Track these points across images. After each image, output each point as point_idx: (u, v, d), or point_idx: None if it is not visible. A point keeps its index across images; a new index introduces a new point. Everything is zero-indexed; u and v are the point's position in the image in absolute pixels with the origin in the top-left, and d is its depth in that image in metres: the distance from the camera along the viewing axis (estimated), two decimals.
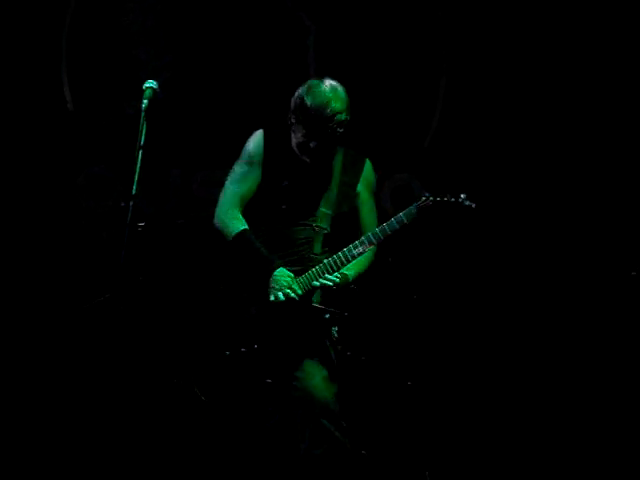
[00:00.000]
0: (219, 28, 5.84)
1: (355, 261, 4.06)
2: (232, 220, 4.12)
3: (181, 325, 5.34)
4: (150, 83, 3.86)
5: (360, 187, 4.21)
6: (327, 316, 4.09)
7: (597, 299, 5.67)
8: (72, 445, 5.09)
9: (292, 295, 3.99)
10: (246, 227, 4.09)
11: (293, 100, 4.08)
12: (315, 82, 4.07)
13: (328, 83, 4.06)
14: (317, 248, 4.12)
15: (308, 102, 4.00)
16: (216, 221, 4.17)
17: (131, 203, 3.66)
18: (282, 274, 4.01)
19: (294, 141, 4.11)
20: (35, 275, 5.65)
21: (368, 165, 4.26)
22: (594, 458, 5.23)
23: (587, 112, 5.82)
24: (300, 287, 4.03)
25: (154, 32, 5.84)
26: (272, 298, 4.00)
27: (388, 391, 5.28)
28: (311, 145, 4.03)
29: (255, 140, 4.17)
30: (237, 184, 4.15)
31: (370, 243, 4.03)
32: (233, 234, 4.09)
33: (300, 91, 4.06)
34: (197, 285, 5.34)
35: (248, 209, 4.16)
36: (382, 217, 4.13)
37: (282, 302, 4.00)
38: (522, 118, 5.84)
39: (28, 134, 5.70)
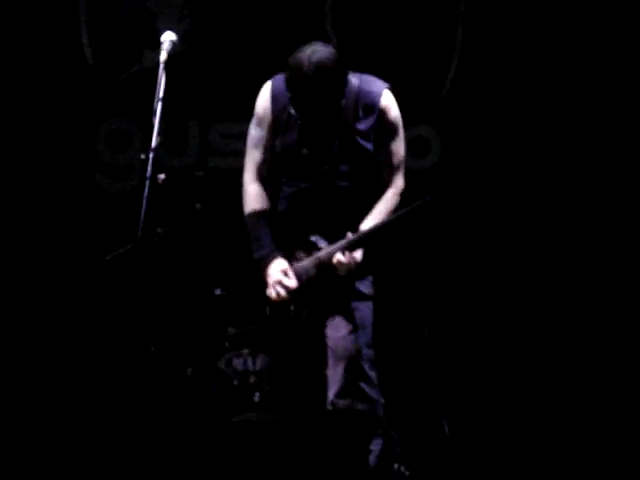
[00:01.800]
0: None
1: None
2: (249, 194, 4.08)
3: (198, 279, 5.37)
4: (168, 35, 3.86)
5: (374, 129, 3.98)
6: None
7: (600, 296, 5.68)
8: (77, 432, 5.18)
9: (283, 293, 3.92)
10: (258, 208, 4.03)
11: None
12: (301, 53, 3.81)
13: (310, 54, 3.77)
14: (339, 207, 4.01)
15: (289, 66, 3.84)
16: (242, 188, 4.12)
17: (151, 155, 3.67)
18: (274, 268, 3.94)
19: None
20: (56, 229, 5.69)
21: (382, 97, 3.98)
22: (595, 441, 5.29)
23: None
24: (303, 272, 3.95)
25: None
26: (267, 294, 3.96)
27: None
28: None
29: (262, 98, 4.06)
30: (254, 149, 4.08)
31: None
32: (244, 213, 4.07)
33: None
34: (215, 239, 5.37)
35: (273, 167, 4.08)
36: None
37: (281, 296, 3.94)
38: (538, 72, 5.81)
39: (47, 88, 5.71)
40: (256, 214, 4.05)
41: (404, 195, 4.04)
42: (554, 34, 5.76)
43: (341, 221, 3.98)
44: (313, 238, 3.98)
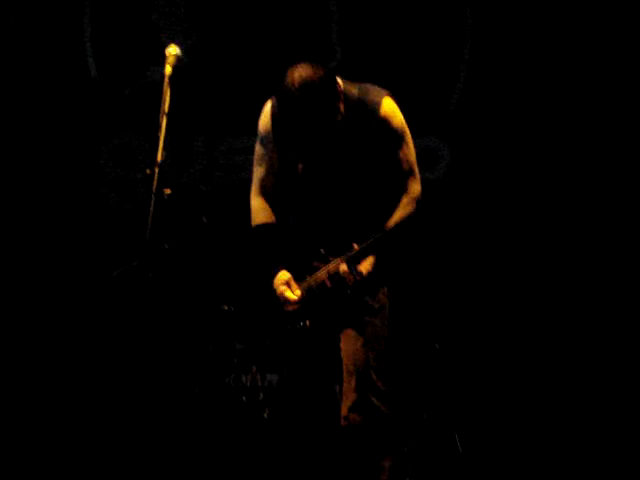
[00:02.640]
0: None
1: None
2: (253, 208, 4.04)
3: (206, 294, 5.35)
4: (173, 49, 3.84)
5: (378, 138, 3.88)
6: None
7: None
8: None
9: (290, 304, 3.90)
10: (262, 222, 3.99)
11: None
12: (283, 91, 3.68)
13: (296, 89, 3.65)
14: (350, 219, 3.95)
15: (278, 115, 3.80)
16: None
17: (156, 170, 3.64)
18: (277, 282, 3.91)
19: None
20: (62, 244, 5.68)
21: (382, 106, 3.88)
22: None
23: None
24: (317, 288, 3.91)
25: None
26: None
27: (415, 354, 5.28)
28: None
29: (263, 117, 4.00)
30: (258, 166, 4.04)
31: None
32: (252, 225, 4.03)
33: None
34: (222, 252, 5.35)
35: (279, 182, 4.03)
36: None
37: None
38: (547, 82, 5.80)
39: (52, 102, 5.71)
40: (259, 228, 4.03)
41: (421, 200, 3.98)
42: (562, 45, 5.75)
43: (355, 232, 3.93)
44: (324, 251, 3.95)
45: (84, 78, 5.79)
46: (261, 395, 4.86)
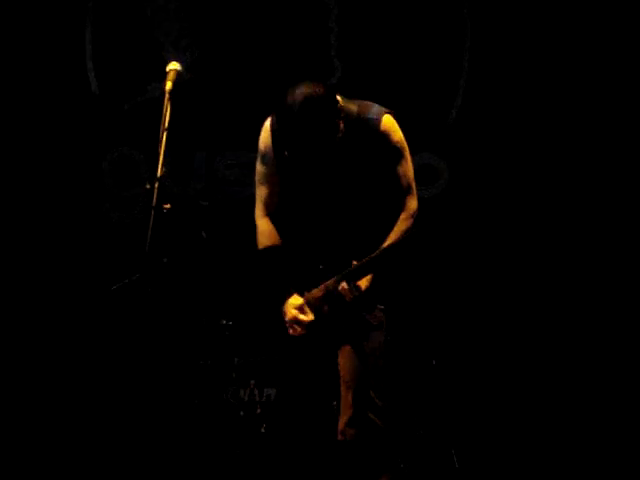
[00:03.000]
0: (241, 8, 5.83)
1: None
2: (259, 230, 4.04)
3: (205, 308, 5.35)
4: (174, 65, 3.86)
5: (377, 155, 3.90)
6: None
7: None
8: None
9: (299, 330, 3.90)
10: (269, 244, 3.99)
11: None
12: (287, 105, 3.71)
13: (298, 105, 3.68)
14: (349, 236, 3.96)
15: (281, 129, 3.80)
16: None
17: (156, 185, 3.66)
18: (289, 306, 3.91)
19: None
20: (62, 258, 5.68)
21: (382, 123, 3.91)
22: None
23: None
24: (315, 305, 3.92)
25: (176, 14, 5.84)
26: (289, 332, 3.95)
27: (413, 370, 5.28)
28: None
29: (263, 135, 4.01)
30: (261, 186, 4.03)
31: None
32: (259, 248, 4.02)
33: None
34: (221, 268, 5.36)
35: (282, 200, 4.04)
36: None
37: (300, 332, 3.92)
38: (545, 95, 5.81)
39: (53, 118, 5.72)
40: (267, 250, 4.03)
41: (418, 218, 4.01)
42: (561, 60, 5.76)
43: (354, 249, 3.95)
44: (322, 267, 3.97)
45: (85, 93, 5.81)
46: (259, 410, 4.86)
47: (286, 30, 5.83)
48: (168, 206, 3.67)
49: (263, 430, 4.83)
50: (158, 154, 3.66)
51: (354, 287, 3.85)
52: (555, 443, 5.37)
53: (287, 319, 3.92)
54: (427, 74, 5.84)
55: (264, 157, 4.03)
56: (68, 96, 5.74)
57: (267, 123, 4.03)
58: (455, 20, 5.86)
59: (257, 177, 4.06)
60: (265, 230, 4.05)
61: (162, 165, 3.65)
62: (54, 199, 5.71)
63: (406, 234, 3.90)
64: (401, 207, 3.99)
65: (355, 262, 3.86)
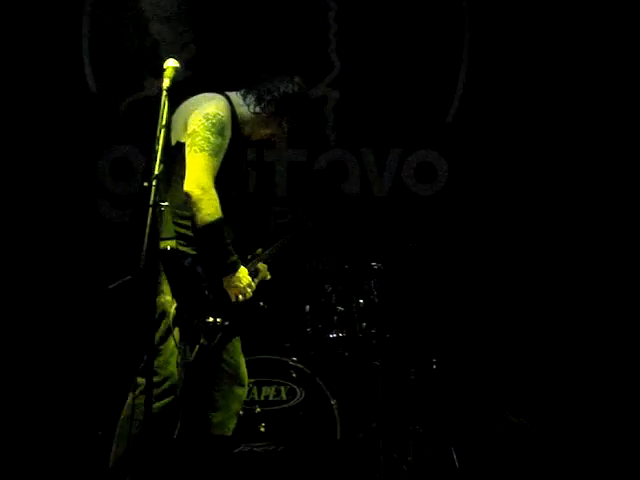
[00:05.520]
0: (240, 5, 5.82)
1: None
2: (212, 199, 3.98)
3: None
4: (171, 62, 3.84)
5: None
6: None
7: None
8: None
9: (249, 294, 4.08)
10: (221, 215, 3.99)
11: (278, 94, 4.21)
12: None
13: None
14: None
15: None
16: (194, 191, 3.97)
17: (153, 183, 3.63)
18: (244, 273, 4.05)
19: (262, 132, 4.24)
20: (59, 256, 5.67)
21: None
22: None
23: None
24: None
25: (174, 11, 5.82)
26: (234, 299, 4.04)
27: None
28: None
29: (224, 110, 4.13)
30: (215, 157, 4.02)
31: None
32: (208, 220, 3.97)
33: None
34: None
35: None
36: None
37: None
38: (543, 95, 5.79)
39: (50, 116, 5.70)
40: (221, 220, 4.01)
41: None
42: (559, 59, 5.77)
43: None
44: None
45: (82, 92, 5.79)
46: (257, 408, 4.84)
47: (285, 27, 5.81)
48: (165, 204, 3.64)
49: (262, 429, 4.82)
50: (155, 152, 3.64)
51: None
52: (556, 442, 5.36)
53: (244, 284, 4.03)
54: (426, 71, 5.83)
55: (224, 130, 4.06)
56: (65, 94, 5.73)
57: (226, 102, 4.15)
58: (454, 15, 5.85)
59: (211, 147, 4.02)
60: (217, 201, 4.00)
61: (159, 163, 3.62)
62: (51, 197, 5.69)
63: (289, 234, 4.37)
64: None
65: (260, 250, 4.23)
